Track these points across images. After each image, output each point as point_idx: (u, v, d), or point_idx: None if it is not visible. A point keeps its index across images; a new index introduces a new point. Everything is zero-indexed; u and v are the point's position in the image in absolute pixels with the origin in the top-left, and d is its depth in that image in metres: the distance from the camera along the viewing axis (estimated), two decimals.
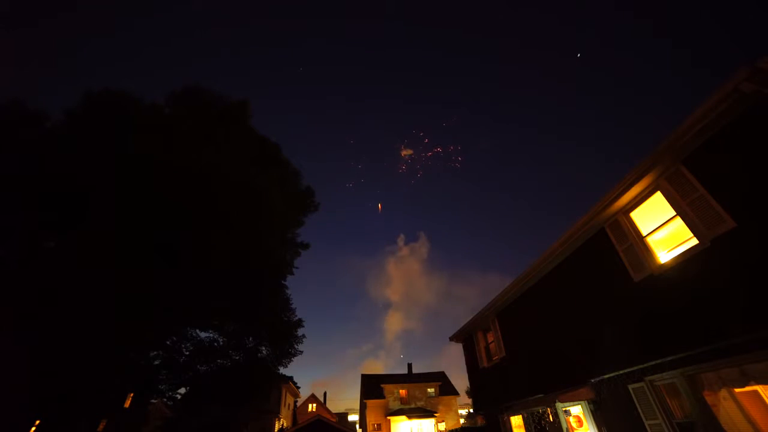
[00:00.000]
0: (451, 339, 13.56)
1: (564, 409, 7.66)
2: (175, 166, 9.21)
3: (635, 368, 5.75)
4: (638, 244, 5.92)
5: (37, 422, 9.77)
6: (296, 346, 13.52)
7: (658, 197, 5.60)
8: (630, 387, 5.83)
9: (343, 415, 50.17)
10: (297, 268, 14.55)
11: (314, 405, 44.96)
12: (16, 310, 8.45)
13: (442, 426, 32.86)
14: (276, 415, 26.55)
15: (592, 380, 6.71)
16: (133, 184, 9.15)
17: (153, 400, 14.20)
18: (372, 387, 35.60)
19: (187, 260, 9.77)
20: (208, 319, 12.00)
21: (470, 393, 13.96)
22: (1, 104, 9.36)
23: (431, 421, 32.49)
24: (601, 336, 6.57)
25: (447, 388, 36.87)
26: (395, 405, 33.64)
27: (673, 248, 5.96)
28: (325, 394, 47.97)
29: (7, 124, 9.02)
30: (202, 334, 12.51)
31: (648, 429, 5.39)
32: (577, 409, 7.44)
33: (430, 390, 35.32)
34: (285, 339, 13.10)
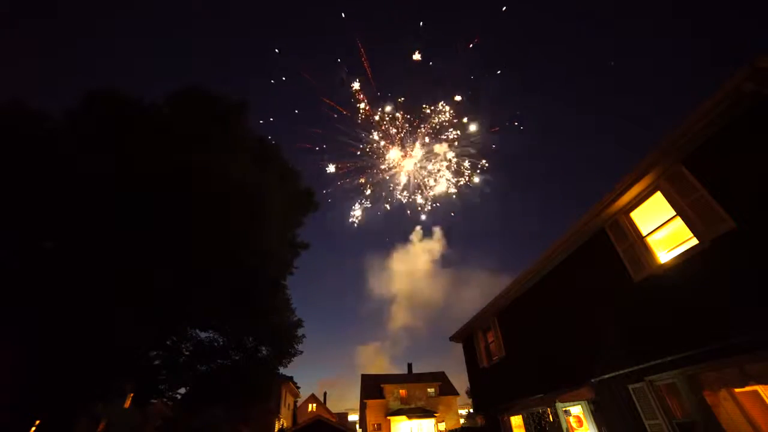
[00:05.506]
0: (452, 339, 13.56)
1: (564, 409, 7.66)
2: (174, 166, 9.21)
3: (635, 368, 5.75)
4: (638, 244, 5.92)
5: (37, 422, 9.78)
6: (296, 346, 13.56)
7: (658, 197, 5.60)
8: (630, 387, 5.83)
9: (343, 415, 50.19)
10: (297, 267, 14.67)
11: (314, 405, 44.97)
12: (16, 310, 8.46)
13: (442, 426, 32.88)
14: (276, 415, 26.55)
15: (592, 380, 6.71)
16: (132, 184, 9.15)
17: (153, 400, 14.21)
18: (372, 387, 35.62)
19: (187, 260, 9.78)
20: (208, 319, 12.01)
21: (470, 393, 13.96)
22: (2, 104, 9.35)
23: (431, 421, 32.52)
24: (601, 336, 6.58)
25: (447, 388, 36.90)
26: (395, 405, 33.66)
27: (673, 248, 5.97)
28: (325, 394, 48.04)
29: (8, 124, 9.02)
30: (202, 334, 12.53)
31: (648, 429, 5.39)
32: (577, 409, 7.44)
33: (430, 390, 35.34)
34: (285, 339, 13.13)
